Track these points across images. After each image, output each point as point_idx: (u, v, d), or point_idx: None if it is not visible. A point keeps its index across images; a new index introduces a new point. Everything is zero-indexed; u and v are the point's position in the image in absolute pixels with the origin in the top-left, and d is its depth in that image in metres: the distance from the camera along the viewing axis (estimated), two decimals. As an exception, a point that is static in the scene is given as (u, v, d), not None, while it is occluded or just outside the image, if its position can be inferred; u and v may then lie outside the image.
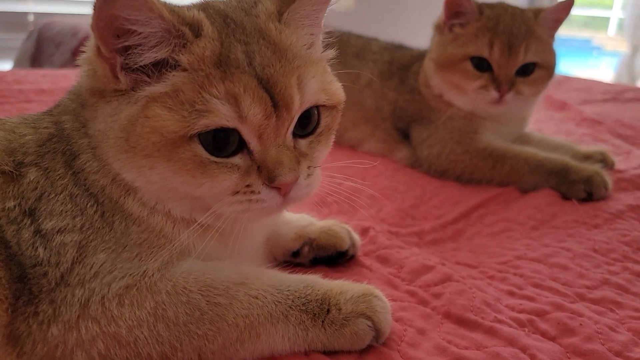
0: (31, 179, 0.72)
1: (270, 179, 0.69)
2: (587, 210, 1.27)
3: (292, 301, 0.74)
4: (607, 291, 0.94)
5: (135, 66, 0.67)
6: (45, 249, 0.69)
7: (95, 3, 0.62)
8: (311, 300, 0.75)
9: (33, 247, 0.69)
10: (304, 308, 0.74)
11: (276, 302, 0.73)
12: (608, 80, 4.29)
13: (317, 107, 0.74)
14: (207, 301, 0.71)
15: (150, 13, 0.63)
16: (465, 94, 1.46)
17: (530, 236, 1.19)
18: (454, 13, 1.44)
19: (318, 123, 0.76)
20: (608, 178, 1.34)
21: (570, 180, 1.35)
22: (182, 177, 0.68)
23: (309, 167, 0.74)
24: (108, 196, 0.73)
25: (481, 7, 1.44)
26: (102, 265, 0.69)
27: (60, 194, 0.72)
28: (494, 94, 1.40)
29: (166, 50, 0.66)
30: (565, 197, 1.34)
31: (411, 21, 4.58)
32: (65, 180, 0.73)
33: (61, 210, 0.71)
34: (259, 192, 0.70)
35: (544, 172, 1.38)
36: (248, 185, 0.70)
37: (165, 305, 0.69)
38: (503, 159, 1.44)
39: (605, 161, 1.49)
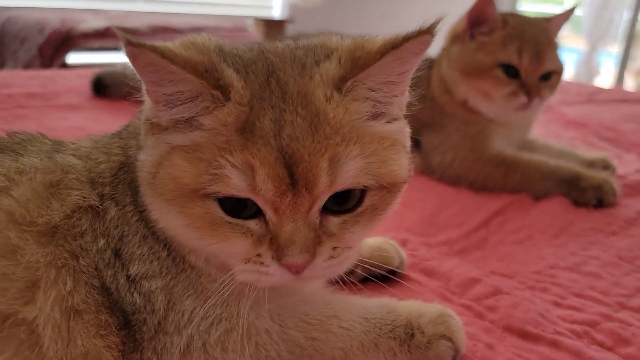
0: (112, 215, 0.71)
1: (278, 255, 0.63)
2: (601, 217, 1.34)
3: (380, 329, 0.76)
4: (643, 299, 1.00)
5: (167, 120, 0.64)
6: (139, 295, 0.68)
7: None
8: (398, 327, 0.77)
9: (130, 293, 0.68)
10: (391, 335, 0.76)
11: (366, 332, 0.75)
12: (568, 77, 4.47)
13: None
14: (305, 336, 0.72)
15: (171, 76, 0.59)
16: (493, 101, 1.51)
17: (554, 244, 1.25)
18: (476, 22, 1.49)
19: (361, 201, 0.66)
20: (616, 185, 1.42)
21: (581, 188, 1.42)
22: (192, 232, 0.64)
23: (334, 249, 0.65)
24: (171, 243, 0.71)
25: (504, 17, 1.49)
26: (192, 311, 0.69)
27: (136, 234, 0.70)
28: (523, 99, 1.46)
29: (194, 110, 0.62)
30: (576, 204, 1.42)
31: (380, 17, 4.63)
32: (136, 217, 0.71)
33: (140, 254, 0.70)
34: (267, 266, 0.64)
35: (555, 180, 1.45)
36: (259, 255, 0.64)
37: (267, 345, 0.70)
38: (515, 166, 1.49)
39: (608, 168, 1.57)
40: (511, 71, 1.47)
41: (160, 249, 0.70)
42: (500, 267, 1.14)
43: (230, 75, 0.62)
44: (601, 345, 0.87)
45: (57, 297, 0.64)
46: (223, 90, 0.61)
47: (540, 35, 1.47)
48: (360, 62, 0.63)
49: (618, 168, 1.63)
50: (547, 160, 1.51)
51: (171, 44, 0.64)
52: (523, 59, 1.45)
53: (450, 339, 0.78)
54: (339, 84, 0.63)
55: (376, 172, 0.64)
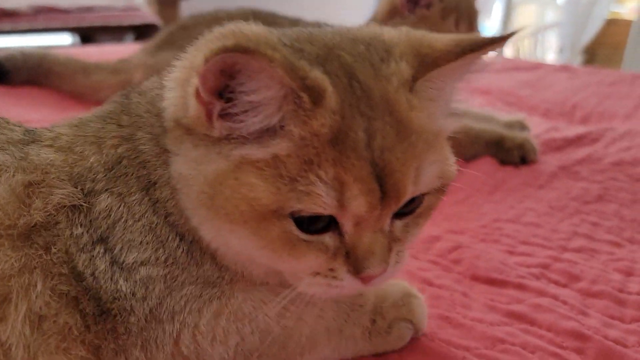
0: (103, 207, 0.63)
1: (357, 269, 0.59)
2: (527, 173, 1.47)
3: (348, 315, 0.73)
4: (580, 241, 1.13)
5: (238, 133, 0.56)
6: (127, 281, 0.62)
7: (206, 56, 0.50)
8: (364, 314, 0.74)
9: (112, 279, 0.62)
10: (357, 322, 0.73)
11: (335, 318, 0.71)
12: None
13: None
14: (280, 326, 0.68)
15: (269, 81, 0.52)
16: None
17: (492, 200, 1.35)
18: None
19: (420, 202, 0.63)
20: (535, 143, 1.56)
21: (506, 148, 1.55)
22: (266, 252, 0.59)
23: (398, 253, 0.63)
24: (197, 240, 0.65)
25: None
26: (191, 294, 0.64)
27: (138, 221, 0.64)
28: None
29: (277, 117, 0.55)
30: (503, 163, 1.54)
31: None
32: (144, 206, 0.64)
33: (141, 241, 0.63)
34: (341, 279, 0.60)
35: (483, 142, 1.57)
36: (331, 269, 0.60)
37: (246, 329, 0.66)
38: (445, 132, 1.59)
39: (525, 128, 1.71)
40: None
41: (171, 239, 0.64)
42: (450, 226, 1.23)
43: (319, 76, 0.54)
44: (557, 283, 0.97)
45: (27, 309, 0.57)
46: (311, 92, 0.53)
47: (470, 5, 1.56)
48: (429, 60, 0.59)
49: (531, 129, 1.78)
50: (473, 124, 1.62)
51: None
52: (460, 29, 1.54)
53: (410, 321, 0.76)
54: (412, 85, 0.59)
55: (444, 173, 0.62)
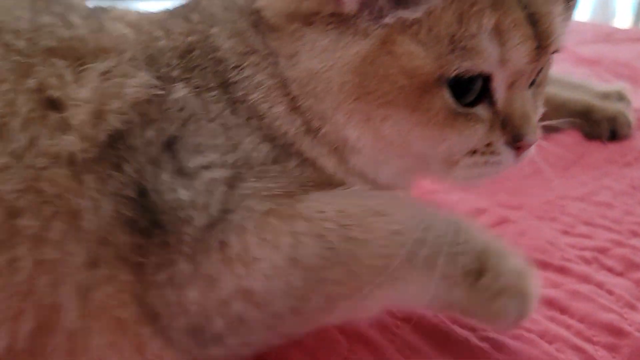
0: (179, 96, 0.56)
1: (516, 137, 0.57)
2: (615, 149, 1.29)
3: (439, 247, 0.55)
4: (657, 226, 0.96)
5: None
6: (187, 189, 0.52)
7: None
8: (466, 253, 0.57)
9: (172, 190, 0.52)
10: (454, 261, 0.56)
11: (420, 242, 0.55)
12: (584, 18, 4.32)
13: None
14: (339, 235, 0.53)
15: None
16: None
17: (564, 175, 1.20)
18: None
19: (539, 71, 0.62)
20: (631, 117, 1.36)
21: (594, 120, 1.36)
22: (426, 131, 0.55)
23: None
24: (286, 144, 0.58)
25: None
26: (250, 189, 0.54)
27: (211, 121, 0.55)
28: None
29: None
30: (589, 137, 1.36)
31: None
32: (221, 105, 0.56)
33: (209, 145, 0.54)
34: (499, 153, 0.58)
35: (567, 112, 1.39)
36: (488, 144, 0.57)
37: (300, 238, 0.52)
38: (525, 100, 1.43)
39: (623, 99, 1.50)
40: None
41: (249, 140, 0.56)
42: (507, 200, 1.10)
43: None
44: (611, 270, 0.84)
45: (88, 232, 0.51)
46: None
47: None
48: None
49: (633, 102, 1.55)
50: (559, 92, 1.44)
51: None
52: None
53: (523, 303, 0.59)
54: None
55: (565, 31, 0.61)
